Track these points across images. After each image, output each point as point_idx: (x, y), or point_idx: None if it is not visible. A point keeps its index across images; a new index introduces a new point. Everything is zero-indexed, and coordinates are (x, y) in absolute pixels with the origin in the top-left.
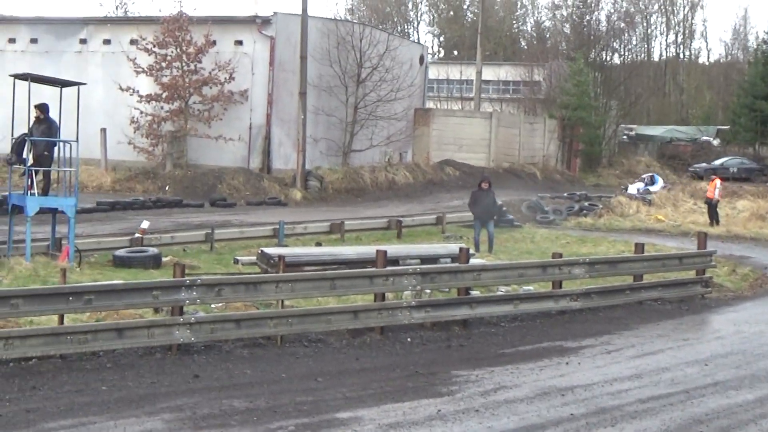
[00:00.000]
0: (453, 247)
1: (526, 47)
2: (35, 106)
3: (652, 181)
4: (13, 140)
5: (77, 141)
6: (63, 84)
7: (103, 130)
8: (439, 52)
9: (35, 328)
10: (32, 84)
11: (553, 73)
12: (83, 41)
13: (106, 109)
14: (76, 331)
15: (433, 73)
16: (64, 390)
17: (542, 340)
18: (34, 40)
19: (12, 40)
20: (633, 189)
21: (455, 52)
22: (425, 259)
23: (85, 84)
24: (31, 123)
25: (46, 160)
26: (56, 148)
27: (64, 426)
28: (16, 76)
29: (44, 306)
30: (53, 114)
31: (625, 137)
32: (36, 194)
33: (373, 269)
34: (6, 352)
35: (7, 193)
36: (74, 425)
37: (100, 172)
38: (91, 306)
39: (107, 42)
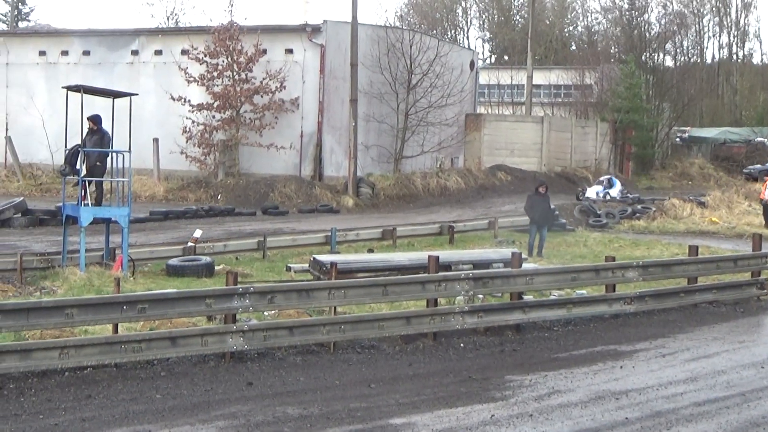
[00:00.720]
0: (505, 252)
1: (576, 51)
2: (88, 118)
3: (610, 184)
4: (67, 151)
5: (130, 151)
6: (115, 95)
7: (156, 140)
8: (489, 57)
9: (90, 337)
10: (85, 95)
11: (604, 76)
12: (135, 52)
13: (158, 119)
14: (130, 340)
15: (484, 78)
16: (119, 398)
17: (596, 344)
18: (86, 52)
19: (65, 53)
20: (591, 193)
21: (506, 57)
22: (477, 264)
23: (137, 94)
24: (84, 134)
25: (99, 171)
26: (109, 159)
27: None
28: (69, 88)
29: (99, 315)
30: (106, 125)
31: (678, 139)
32: (90, 205)
33: (426, 275)
34: (61, 362)
35: (61, 204)
36: None
37: (153, 181)
38: (145, 315)
39: (159, 53)
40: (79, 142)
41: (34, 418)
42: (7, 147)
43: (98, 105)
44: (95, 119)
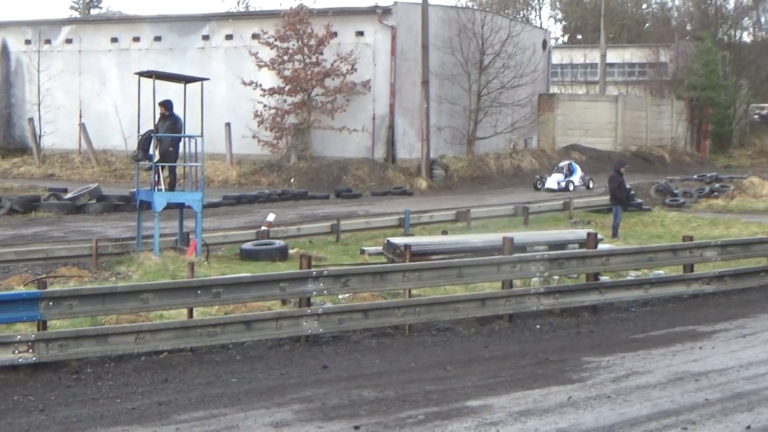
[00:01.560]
0: (581, 233)
1: (650, 28)
2: (160, 103)
3: (571, 171)
4: (140, 137)
5: (202, 136)
6: (187, 80)
7: (228, 125)
8: (562, 36)
9: (165, 321)
10: (157, 81)
11: (679, 53)
12: (206, 37)
13: (230, 104)
14: (205, 324)
15: (557, 57)
16: (195, 382)
17: (674, 324)
18: (157, 38)
19: (136, 39)
20: (552, 182)
21: (578, 36)
22: (553, 245)
23: (208, 79)
24: (157, 120)
25: (171, 156)
26: (181, 144)
27: (195, 418)
28: (141, 74)
29: (173, 300)
30: (178, 110)
31: (756, 117)
32: (163, 190)
33: (501, 256)
34: (137, 346)
35: (135, 190)
36: (205, 417)
37: (226, 166)
38: (220, 299)
39: (229, 37)
40: (152, 127)
41: (111, 402)
42: (81, 134)
43: (170, 90)
44: (167, 105)
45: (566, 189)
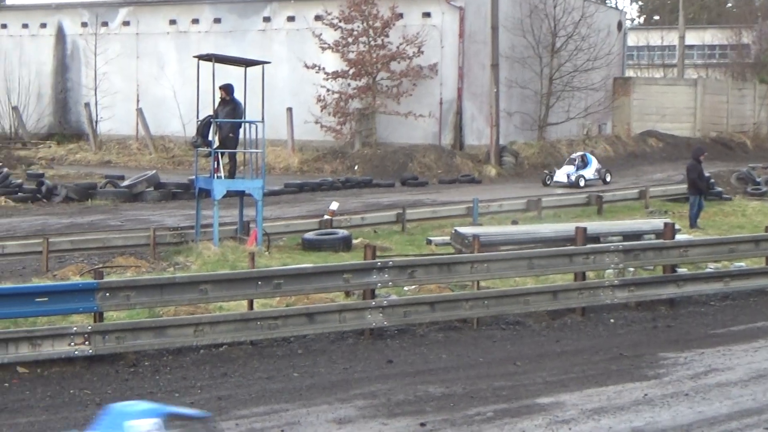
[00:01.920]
0: (657, 223)
1: (732, 8)
2: (220, 87)
3: (585, 163)
4: (199, 122)
5: (263, 121)
6: (247, 63)
7: (289, 110)
8: (638, 17)
9: (225, 314)
10: (216, 65)
11: (763, 35)
12: (267, 19)
13: (292, 88)
14: (266, 316)
15: (633, 39)
16: (255, 377)
17: (756, 319)
18: (217, 20)
19: (195, 21)
20: (561, 175)
21: (655, 17)
22: (627, 236)
23: (269, 63)
24: (216, 104)
25: (231, 142)
26: (242, 130)
27: (256, 413)
28: (200, 57)
29: (233, 291)
30: (238, 94)
31: None
32: (222, 177)
33: (573, 247)
34: (196, 339)
35: (193, 177)
36: (266, 412)
37: (287, 152)
38: (281, 290)
39: (291, 19)
40: (211, 112)
41: (169, 396)
42: (139, 119)
43: (230, 74)
44: (227, 89)
45: (576, 184)
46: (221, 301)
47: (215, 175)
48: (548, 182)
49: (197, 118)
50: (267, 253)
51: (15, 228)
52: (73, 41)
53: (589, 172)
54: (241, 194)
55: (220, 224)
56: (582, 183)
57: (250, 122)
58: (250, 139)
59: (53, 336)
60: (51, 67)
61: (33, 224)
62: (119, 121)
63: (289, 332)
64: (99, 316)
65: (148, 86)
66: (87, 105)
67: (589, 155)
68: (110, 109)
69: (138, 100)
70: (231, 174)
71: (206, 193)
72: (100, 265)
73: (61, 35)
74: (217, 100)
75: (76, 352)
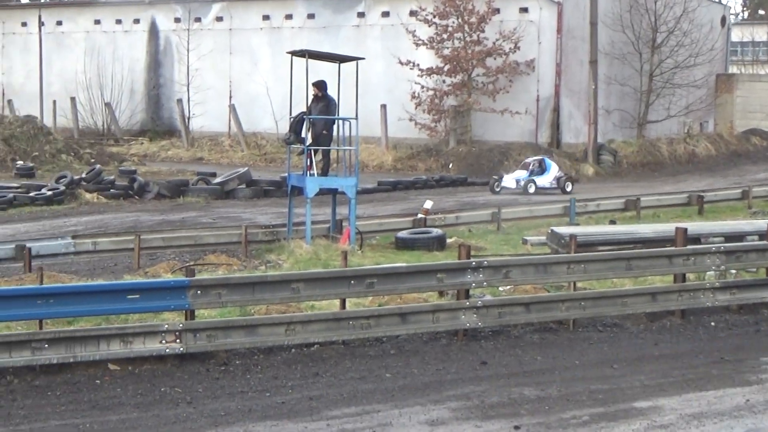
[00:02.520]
0: (761, 224)
1: None
2: (313, 84)
3: (543, 168)
4: (292, 119)
5: (357, 119)
6: (341, 60)
7: (383, 107)
8: (742, 12)
9: (317, 313)
10: (310, 61)
11: None
12: (361, 15)
13: (386, 85)
14: (358, 316)
15: (737, 35)
16: (347, 377)
17: None
18: (311, 16)
19: (289, 17)
20: (509, 181)
21: (761, 11)
22: (729, 237)
23: (363, 59)
24: (309, 101)
25: (325, 140)
26: (335, 127)
27: (347, 414)
28: (294, 53)
29: (325, 290)
30: (332, 91)
31: None
32: (315, 175)
33: (673, 248)
34: (288, 338)
35: (286, 174)
36: (358, 413)
37: (381, 150)
38: (374, 290)
39: (386, 14)
40: (304, 109)
41: (260, 395)
42: (231, 115)
43: (323, 70)
44: (321, 85)
45: (525, 191)
46: (313, 300)
47: (308, 172)
48: (496, 188)
49: (290, 114)
50: (360, 251)
51: (107, 225)
52: (166, 37)
53: (546, 180)
54: (334, 192)
55: (313, 222)
56: (531, 190)
57: (344, 119)
58: (344, 137)
59: (145, 333)
60: (144, 63)
61: (125, 221)
62: (211, 118)
63: (381, 332)
64: (190, 314)
65: (240, 82)
66: (179, 101)
67: (548, 161)
68: (202, 105)
69: (230, 97)
70: (324, 171)
71: (299, 191)
72: (192, 263)
73: (154, 31)
74: (311, 96)
75: (167, 350)
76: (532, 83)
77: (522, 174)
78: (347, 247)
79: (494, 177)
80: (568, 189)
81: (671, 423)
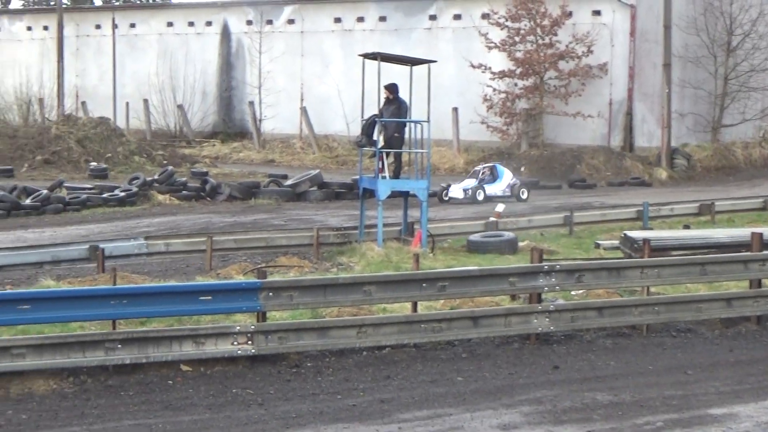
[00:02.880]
0: None
1: None
2: (385, 87)
3: (494, 176)
4: (363, 122)
5: (429, 121)
6: (413, 62)
7: (455, 110)
8: None
9: (388, 315)
10: (381, 63)
11: None
12: (433, 17)
13: (457, 88)
14: (430, 319)
15: None
16: (419, 380)
17: None
18: (382, 18)
19: (360, 19)
20: (457, 191)
21: None
22: None
23: (435, 62)
24: (381, 104)
25: (396, 142)
26: (407, 129)
27: (418, 417)
28: (366, 56)
29: (397, 293)
30: (403, 94)
31: None
32: (387, 177)
33: (748, 253)
34: (359, 340)
35: (357, 177)
36: (429, 417)
37: (452, 153)
38: (445, 293)
39: (458, 17)
40: (376, 112)
41: (331, 397)
42: (303, 118)
43: (395, 73)
44: (392, 88)
45: (474, 199)
46: (384, 302)
47: (380, 175)
48: (444, 197)
49: (362, 117)
50: (431, 254)
51: (179, 226)
52: (238, 39)
53: (498, 187)
54: (405, 195)
55: (384, 225)
56: (480, 198)
57: (416, 122)
58: (415, 139)
59: (216, 335)
60: (216, 65)
61: (197, 222)
62: (283, 120)
63: (453, 335)
64: (262, 316)
65: (312, 85)
66: (251, 103)
67: (500, 167)
68: (274, 107)
69: (302, 99)
70: (396, 174)
71: (370, 194)
72: (264, 265)
73: (226, 33)
74: (382, 99)
75: (239, 352)
76: (605, 86)
77: (470, 183)
78: (419, 250)
79: (442, 185)
80: (524, 197)
81: (747, 430)
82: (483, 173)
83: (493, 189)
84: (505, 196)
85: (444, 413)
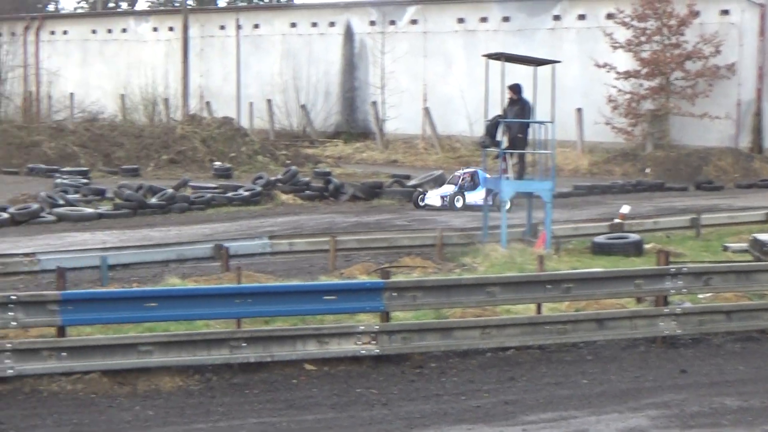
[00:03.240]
0: None
1: None
2: (509, 87)
3: (475, 183)
4: (487, 122)
5: (553, 122)
6: (537, 63)
7: (579, 110)
8: None
9: (512, 317)
10: (505, 64)
11: None
12: (557, 17)
13: (582, 88)
14: (554, 320)
15: None
16: (543, 382)
17: None
18: (506, 19)
19: (483, 20)
20: (434, 198)
21: None
22: None
23: (560, 62)
24: (505, 104)
25: (520, 143)
26: (531, 130)
27: (543, 419)
28: (490, 56)
29: (521, 294)
30: (527, 94)
31: None
32: (511, 178)
33: None
34: (483, 341)
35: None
36: (554, 419)
37: (576, 154)
38: (570, 295)
39: (582, 17)
40: (499, 112)
41: (455, 398)
42: (426, 118)
43: (518, 73)
44: (516, 88)
45: (452, 206)
46: (508, 303)
47: (504, 175)
48: (420, 203)
49: (485, 118)
50: (556, 256)
51: (302, 226)
52: (360, 40)
53: (478, 196)
54: (529, 196)
55: (508, 226)
56: (459, 204)
57: (540, 122)
58: (539, 140)
59: (340, 334)
60: (339, 65)
61: (320, 222)
62: (405, 120)
63: (578, 338)
64: (385, 316)
65: (434, 85)
66: (374, 104)
67: (483, 173)
68: (397, 108)
69: (425, 100)
70: (520, 175)
71: (494, 194)
72: (387, 265)
73: (349, 34)
74: (505, 99)
75: (362, 351)
76: (733, 87)
77: (449, 189)
78: (543, 251)
79: (418, 190)
80: (507, 206)
81: None
82: (463, 179)
83: (473, 197)
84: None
85: (569, 416)
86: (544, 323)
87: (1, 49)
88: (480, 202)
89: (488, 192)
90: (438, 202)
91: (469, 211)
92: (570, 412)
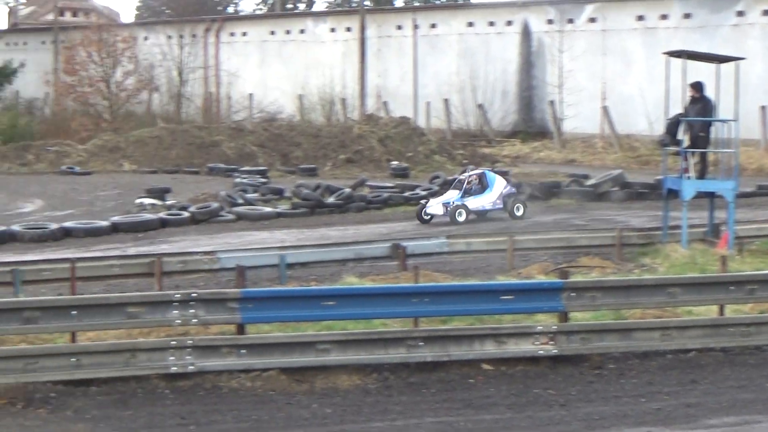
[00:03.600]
0: None
1: None
2: (690, 85)
3: (483, 186)
4: (667, 121)
5: (736, 120)
6: (720, 60)
7: (763, 108)
8: None
9: (694, 318)
10: (686, 61)
11: None
12: (740, 13)
13: (766, 86)
14: (738, 322)
15: None
16: (726, 385)
17: None
18: (687, 15)
19: (664, 17)
20: (436, 207)
21: None
22: None
23: (744, 59)
24: (686, 102)
25: (702, 142)
26: (712, 129)
27: (726, 423)
28: (670, 54)
29: (702, 295)
30: (709, 92)
31: None
32: (692, 177)
33: None
34: (663, 343)
35: (661, 177)
36: (738, 423)
37: (759, 153)
38: (754, 296)
39: (766, 13)
40: (680, 111)
41: (635, 400)
42: (604, 117)
43: (699, 71)
44: (698, 86)
45: (453, 218)
46: (689, 305)
47: (685, 175)
48: (424, 216)
49: (665, 116)
50: (739, 257)
51: (479, 226)
52: (538, 38)
53: (487, 200)
54: (711, 195)
55: (689, 226)
56: (462, 218)
57: (723, 121)
58: (721, 139)
59: (517, 334)
60: (516, 64)
61: (497, 222)
62: (583, 120)
63: (762, 340)
64: (564, 316)
65: (613, 84)
66: (551, 103)
67: (491, 175)
68: (575, 107)
69: (604, 98)
70: (701, 174)
71: (674, 194)
72: (565, 265)
73: (526, 33)
74: (686, 98)
75: (540, 352)
76: None
77: (453, 196)
78: (725, 252)
79: (422, 202)
80: (518, 213)
81: None
82: (469, 182)
83: (480, 202)
84: (496, 209)
85: (753, 420)
86: (727, 325)
87: (183, 51)
88: (488, 206)
89: (500, 195)
90: (440, 211)
91: (483, 222)
92: (754, 416)
